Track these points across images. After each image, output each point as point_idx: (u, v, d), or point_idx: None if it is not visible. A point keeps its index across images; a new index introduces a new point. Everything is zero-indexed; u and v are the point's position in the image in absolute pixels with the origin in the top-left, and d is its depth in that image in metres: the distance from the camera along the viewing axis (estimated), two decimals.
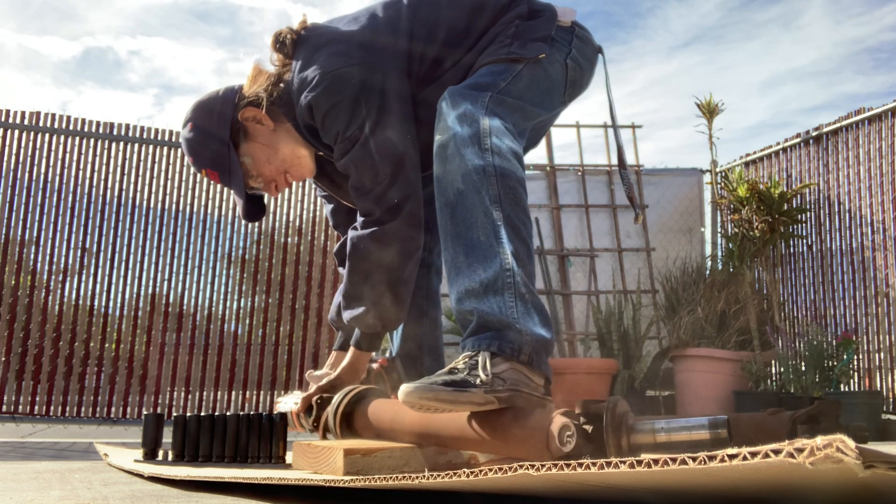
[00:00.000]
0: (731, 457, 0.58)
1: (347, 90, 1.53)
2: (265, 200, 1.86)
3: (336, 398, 1.51)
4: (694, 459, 0.61)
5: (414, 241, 1.61)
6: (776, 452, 0.55)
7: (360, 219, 1.63)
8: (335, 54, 1.55)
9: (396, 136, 1.56)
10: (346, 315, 1.64)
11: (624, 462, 0.66)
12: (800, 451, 0.53)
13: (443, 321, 5.35)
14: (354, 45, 1.57)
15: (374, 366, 1.71)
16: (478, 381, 1.15)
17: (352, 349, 1.66)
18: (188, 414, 1.65)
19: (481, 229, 1.29)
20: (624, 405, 0.98)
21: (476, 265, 1.27)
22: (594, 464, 0.69)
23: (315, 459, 1.30)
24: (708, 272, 5.22)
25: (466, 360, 1.21)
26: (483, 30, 1.60)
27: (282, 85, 1.65)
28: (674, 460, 0.63)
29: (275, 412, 1.67)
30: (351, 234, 1.66)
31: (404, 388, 1.15)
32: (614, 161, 5.70)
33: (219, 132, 1.64)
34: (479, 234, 1.29)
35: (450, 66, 1.60)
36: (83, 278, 4.99)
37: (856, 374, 4.44)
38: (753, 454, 0.57)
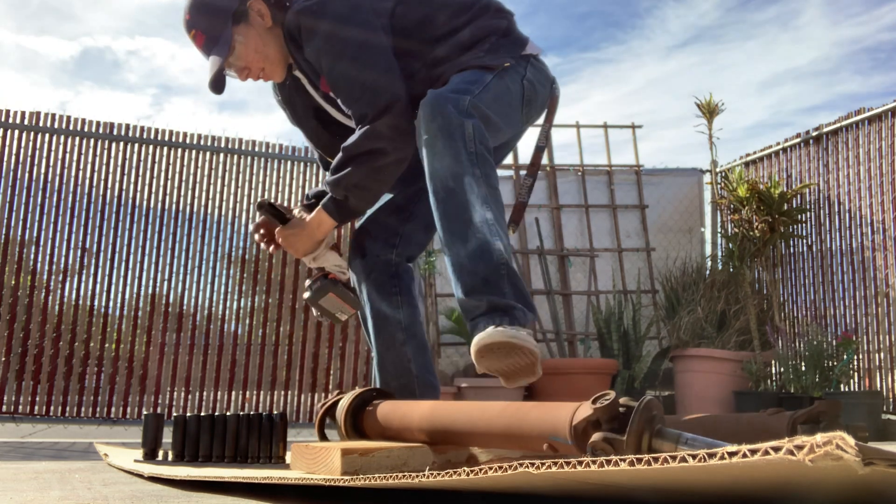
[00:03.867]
0: (731, 454, 0.58)
1: (341, 3, 1.71)
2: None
3: (343, 401, 1.51)
4: (694, 457, 0.61)
5: (398, 142, 1.68)
6: (776, 450, 0.55)
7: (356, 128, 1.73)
8: None
9: (384, 50, 1.70)
10: (329, 178, 1.73)
11: (624, 460, 0.66)
12: (800, 448, 0.53)
13: (442, 321, 5.32)
14: None
15: (328, 273, 1.81)
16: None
17: (319, 209, 1.75)
18: (188, 414, 1.65)
19: (477, 230, 1.47)
20: (657, 406, 0.97)
21: (478, 262, 1.47)
22: (594, 462, 0.69)
23: (313, 460, 1.30)
24: (708, 272, 5.22)
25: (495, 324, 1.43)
26: (464, 23, 1.76)
27: None
28: (674, 458, 0.63)
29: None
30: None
31: (481, 337, 1.41)
32: (614, 161, 5.71)
33: (227, 4, 1.75)
34: (476, 234, 1.47)
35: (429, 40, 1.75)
36: (83, 278, 4.99)
37: (856, 374, 4.44)
38: (753, 452, 0.57)
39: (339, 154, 1.73)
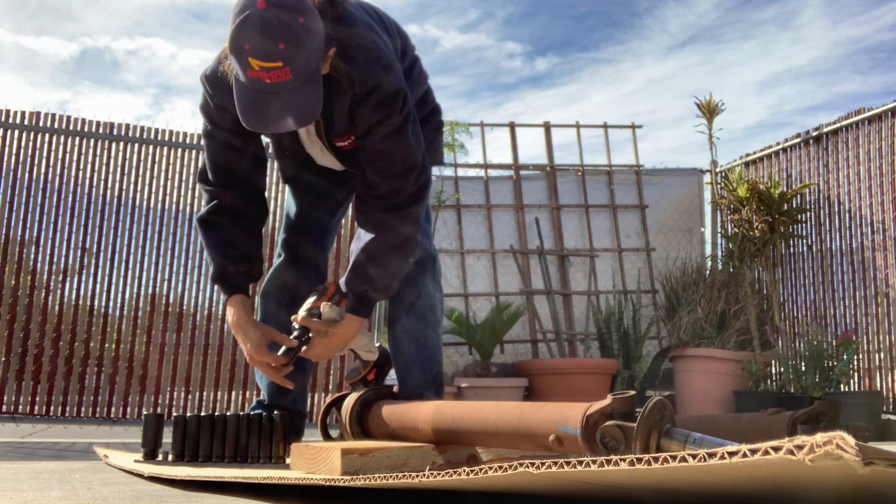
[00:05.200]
0: (731, 454, 0.58)
1: (403, 84, 1.69)
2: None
3: (348, 400, 1.51)
4: (694, 457, 0.61)
5: (418, 231, 1.81)
6: (776, 450, 0.55)
7: (377, 199, 1.72)
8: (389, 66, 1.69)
9: (420, 139, 1.77)
10: (367, 283, 1.73)
11: (624, 460, 0.66)
12: (799, 448, 0.53)
13: (444, 321, 5.27)
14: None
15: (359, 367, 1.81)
16: None
17: (352, 317, 1.74)
18: (188, 414, 1.65)
19: (430, 338, 1.99)
20: (667, 407, 0.97)
21: (426, 365, 1.98)
22: (594, 461, 0.69)
23: (313, 460, 1.30)
24: (708, 272, 5.22)
25: None
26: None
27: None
28: (674, 458, 0.63)
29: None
30: (369, 213, 1.74)
31: None
32: (614, 161, 5.71)
33: (319, 51, 1.54)
34: (428, 341, 1.99)
35: None
36: (83, 278, 4.98)
37: (856, 374, 4.44)
38: (753, 451, 0.57)
39: (371, 248, 1.71)
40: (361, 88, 1.64)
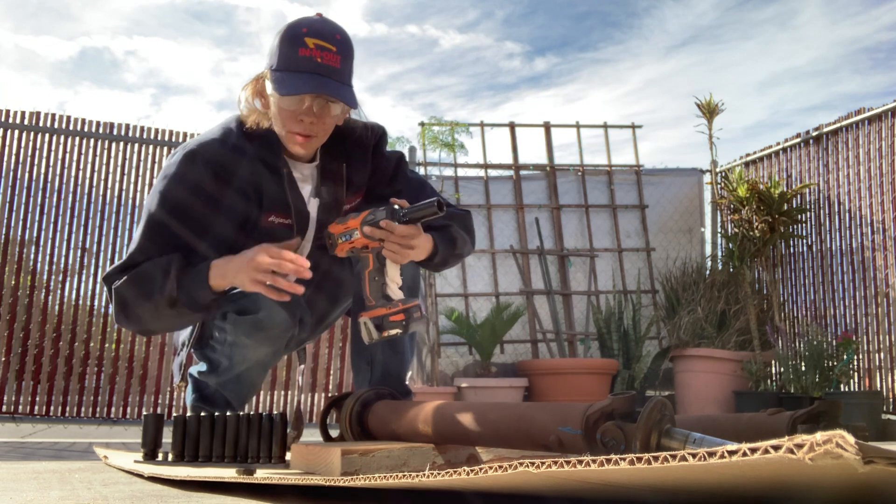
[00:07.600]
0: (731, 453, 0.58)
1: None
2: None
3: (348, 401, 1.51)
4: (694, 456, 0.61)
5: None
6: (776, 449, 0.55)
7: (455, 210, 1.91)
8: None
9: None
10: (460, 231, 1.81)
11: (624, 459, 0.66)
12: (799, 447, 0.53)
13: (442, 321, 5.30)
14: None
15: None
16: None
17: (428, 236, 1.66)
18: (188, 414, 1.65)
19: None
20: (667, 407, 0.97)
21: (409, 356, 1.97)
22: (594, 461, 0.69)
23: (313, 460, 1.30)
24: (708, 272, 5.22)
25: None
26: None
27: None
28: (674, 457, 0.63)
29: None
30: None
31: None
32: (614, 161, 5.71)
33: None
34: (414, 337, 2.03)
35: None
36: (83, 278, 4.99)
37: (856, 374, 4.44)
38: (753, 450, 0.57)
39: (467, 219, 1.85)
40: (373, 134, 1.82)
